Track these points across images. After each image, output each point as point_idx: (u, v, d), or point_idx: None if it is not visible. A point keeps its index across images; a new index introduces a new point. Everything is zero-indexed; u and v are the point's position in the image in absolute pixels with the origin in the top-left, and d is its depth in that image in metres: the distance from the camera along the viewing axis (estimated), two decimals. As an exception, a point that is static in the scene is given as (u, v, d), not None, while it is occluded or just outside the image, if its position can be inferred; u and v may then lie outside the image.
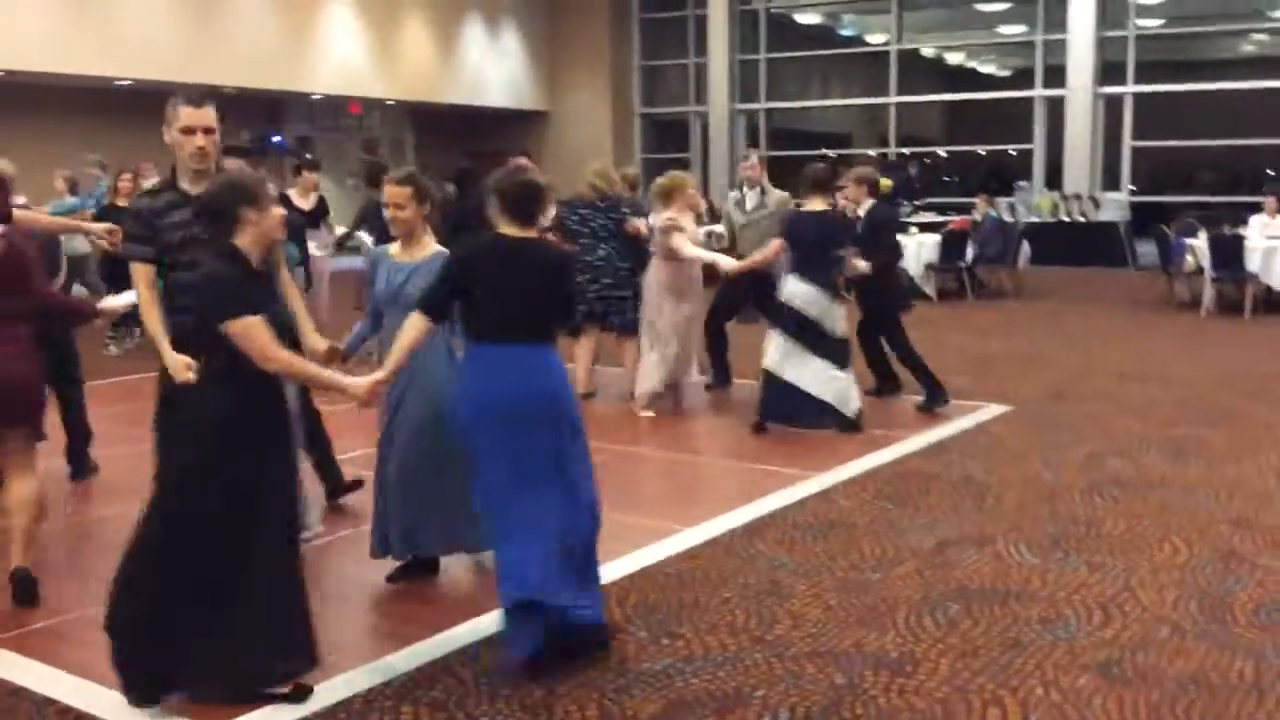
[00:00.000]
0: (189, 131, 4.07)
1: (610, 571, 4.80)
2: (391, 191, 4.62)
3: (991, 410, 7.97)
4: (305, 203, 10.10)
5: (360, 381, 3.92)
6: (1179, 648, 4.07)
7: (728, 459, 6.98)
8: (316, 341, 4.34)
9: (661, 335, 7.93)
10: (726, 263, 7.90)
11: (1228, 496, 5.90)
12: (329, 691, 3.72)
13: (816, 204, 7.51)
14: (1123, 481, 6.18)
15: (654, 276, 7.96)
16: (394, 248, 4.72)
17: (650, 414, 7.92)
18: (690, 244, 7.80)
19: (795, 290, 7.34)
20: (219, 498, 3.51)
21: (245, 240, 3.61)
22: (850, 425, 7.29)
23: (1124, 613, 4.39)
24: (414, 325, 4.03)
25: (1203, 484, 6.12)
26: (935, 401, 7.93)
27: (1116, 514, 5.61)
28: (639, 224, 8.16)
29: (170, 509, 3.57)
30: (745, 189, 9.03)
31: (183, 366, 3.71)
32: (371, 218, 9.49)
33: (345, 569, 5.02)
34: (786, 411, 7.38)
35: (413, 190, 4.61)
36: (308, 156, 9.46)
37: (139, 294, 4.15)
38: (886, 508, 5.75)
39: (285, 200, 9.27)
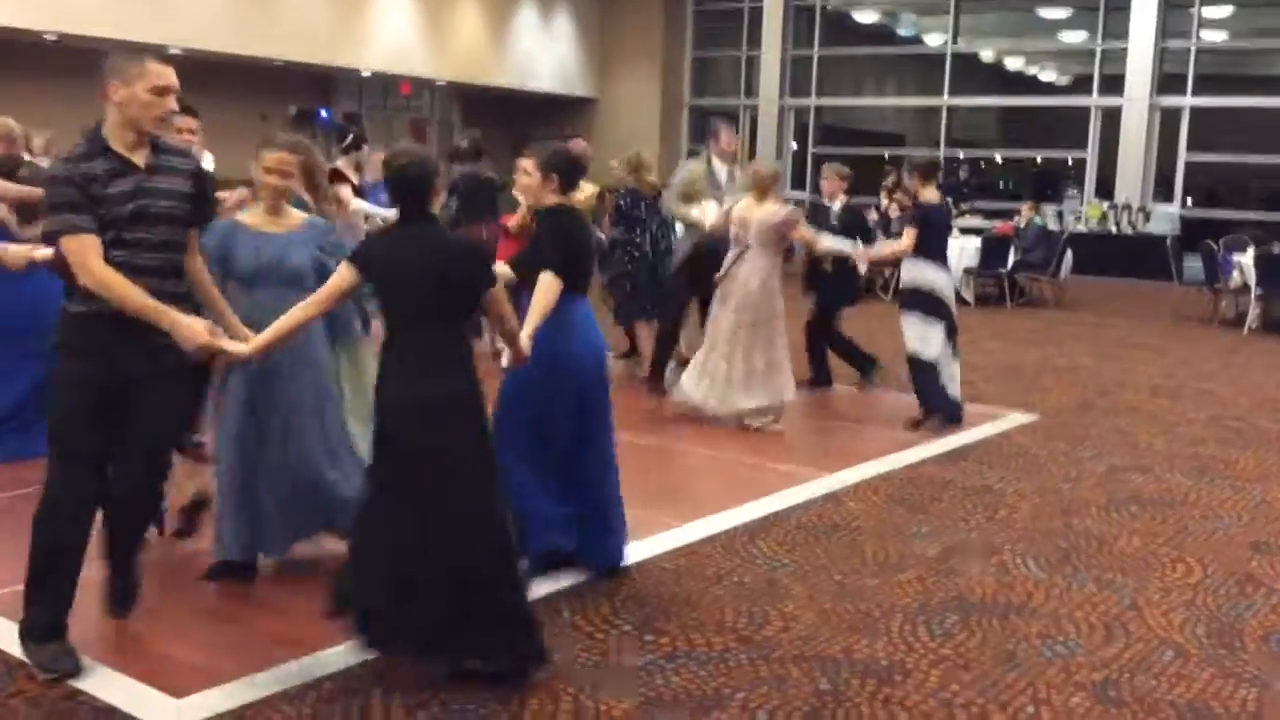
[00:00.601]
0: (163, 92, 3.58)
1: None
2: (281, 158, 4.34)
3: (1016, 419, 7.82)
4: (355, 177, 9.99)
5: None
6: (1180, 672, 3.94)
7: (739, 454, 6.87)
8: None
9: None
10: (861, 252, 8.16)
11: (1250, 519, 5.73)
12: (300, 671, 3.68)
13: (932, 194, 7.65)
14: (1142, 498, 6.02)
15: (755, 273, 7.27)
16: (248, 218, 4.38)
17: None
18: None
19: (941, 279, 7.48)
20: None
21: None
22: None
23: (1127, 632, 4.26)
24: (550, 288, 4.35)
25: (1225, 505, 5.95)
26: (870, 372, 8.58)
27: (1131, 531, 5.47)
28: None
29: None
30: (717, 163, 8.26)
31: (204, 330, 3.57)
32: (470, 191, 9.34)
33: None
34: (942, 403, 7.46)
35: (302, 161, 4.55)
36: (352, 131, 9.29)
37: (90, 269, 3.46)
38: (895, 512, 5.63)
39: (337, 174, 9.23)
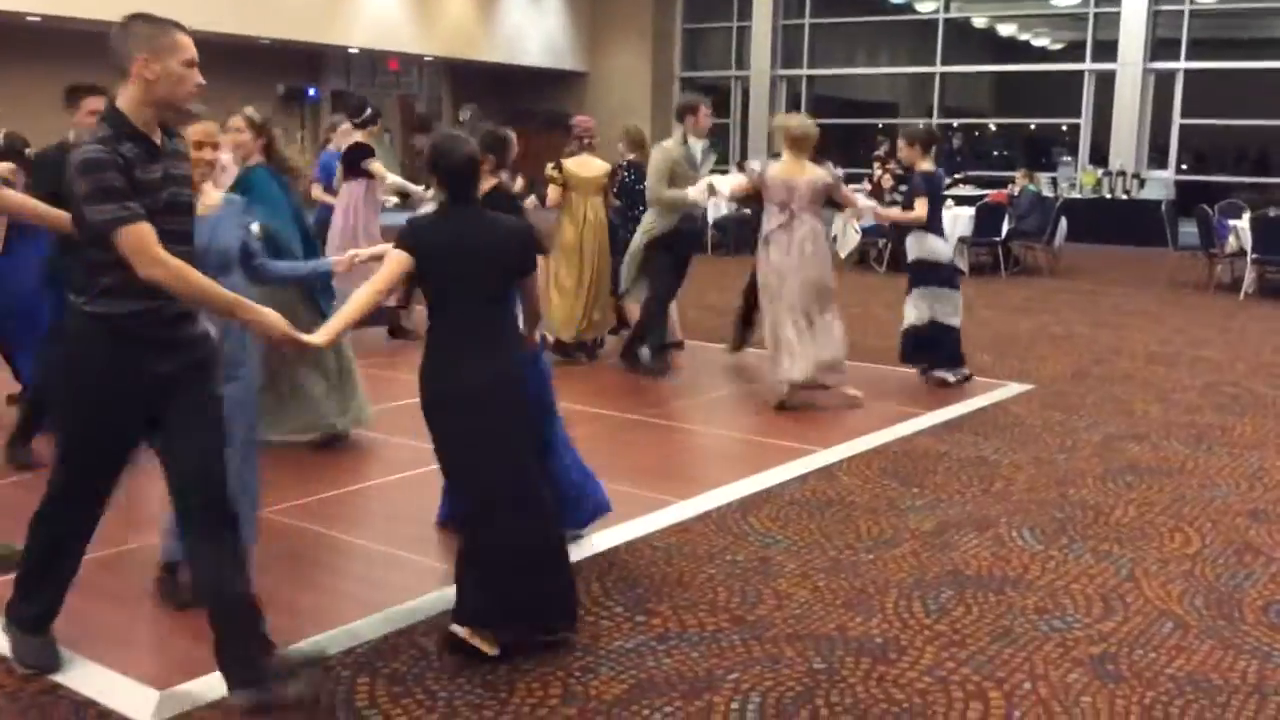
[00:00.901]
0: (192, 64, 3.28)
1: (595, 544, 4.69)
2: (206, 130, 4.03)
3: (1011, 389, 7.75)
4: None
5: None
6: (1180, 644, 3.88)
7: (731, 430, 6.81)
8: None
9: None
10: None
11: (1248, 487, 5.67)
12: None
13: (929, 164, 7.78)
14: (1138, 467, 5.96)
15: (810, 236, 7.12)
16: None
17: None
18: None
19: (944, 248, 7.86)
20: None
21: None
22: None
23: (1125, 605, 4.20)
24: None
25: (1222, 473, 5.89)
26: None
27: (1128, 501, 5.41)
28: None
29: None
30: (693, 141, 7.94)
31: (284, 322, 3.41)
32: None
33: (317, 535, 4.92)
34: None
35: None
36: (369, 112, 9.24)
37: (161, 260, 3.12)
38: (889, 486, 5.57)
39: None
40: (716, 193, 7.86)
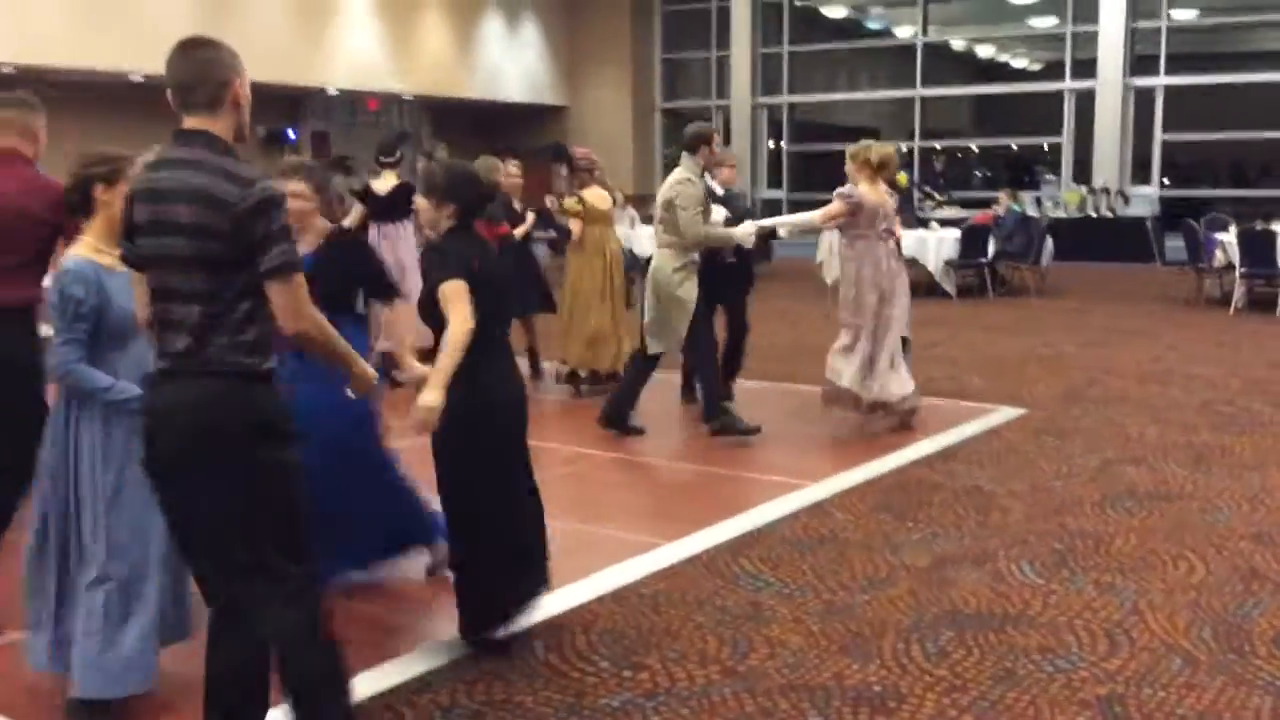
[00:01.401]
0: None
1: (580, 593, 4.53)
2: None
3: (1004, 414, 7.61)
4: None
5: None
6: (1190, 681, 3.73)
7: (720, 466, 6.64)
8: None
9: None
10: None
11: (1250, 509, 5.53)
12: None
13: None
14: (1138, 493, 5.81)
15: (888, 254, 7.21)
16: (97, 255, 3.52)
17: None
18: None
19: None
20: None
21: None
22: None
23: (1131, 640, 4.05)
24: None
25: (1223, 495, 5.75)
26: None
27: (1129, 528, 5.26)
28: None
29: None
30: (707, 174, 7.30)
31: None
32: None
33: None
34: None
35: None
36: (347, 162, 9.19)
37: (312, 312, 2.90)
38: (883, 520, 5.41)
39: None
40: (778, 236, 7.75)
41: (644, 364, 7.16)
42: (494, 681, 3.73)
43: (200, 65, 2.87)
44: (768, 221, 7.77)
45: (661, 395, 8.36)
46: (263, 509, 2.85)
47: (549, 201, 8.61)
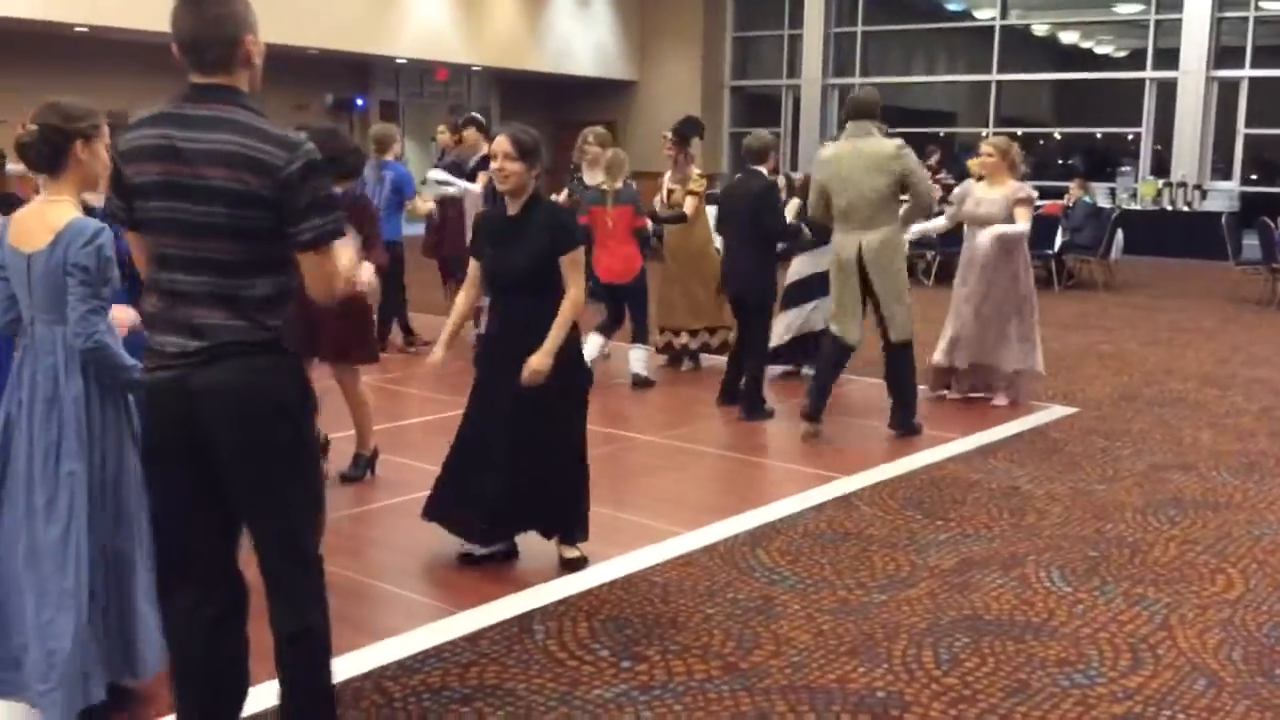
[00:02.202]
0: None
1: (592, 577, 4.45)
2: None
3: (1054, 412, 7.39)
4: None
5: None
6: (1212, 705, 3.55)
7: (752, 455, 6.52)
8: None
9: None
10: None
11: (1301, 523, 5.29)
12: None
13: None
14: (1183, 500, 5.59)
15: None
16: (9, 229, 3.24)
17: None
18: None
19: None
20: None
21: None
22: None
23: (1156, 657, 3.87)
24: None
25: (1274, 507, 5.51)
26: None
27: (1169, 538, 5.05)
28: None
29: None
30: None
31: None
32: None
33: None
34: None
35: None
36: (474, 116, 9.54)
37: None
38: (912, 518, 5.25)
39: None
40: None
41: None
42: (488, 665, 3.66)
43: (211, 20, 2.67)
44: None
45: (702, 380, 8.26)
46: (311, 487, 2.86)
47: (697, 176, 8.39)
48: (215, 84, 2.70)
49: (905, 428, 6.67)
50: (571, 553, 4.55)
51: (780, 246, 7.46)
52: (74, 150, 3.16)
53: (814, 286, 7.92)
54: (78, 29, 15.12)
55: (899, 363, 6.67)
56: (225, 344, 2.67)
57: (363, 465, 5.66)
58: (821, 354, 6.94)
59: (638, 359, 7.90)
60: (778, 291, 7.31)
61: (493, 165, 4.29)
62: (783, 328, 8.14)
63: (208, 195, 2.62)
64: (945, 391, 7.68)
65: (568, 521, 4.52)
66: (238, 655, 2.92)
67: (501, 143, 4.26)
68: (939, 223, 7.78)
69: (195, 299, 2.69)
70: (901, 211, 6.64)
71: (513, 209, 4.34)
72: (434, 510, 4.57)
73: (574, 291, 4.29)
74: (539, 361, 4.23)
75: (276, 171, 2.60)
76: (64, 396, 3.15)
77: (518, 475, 4.36)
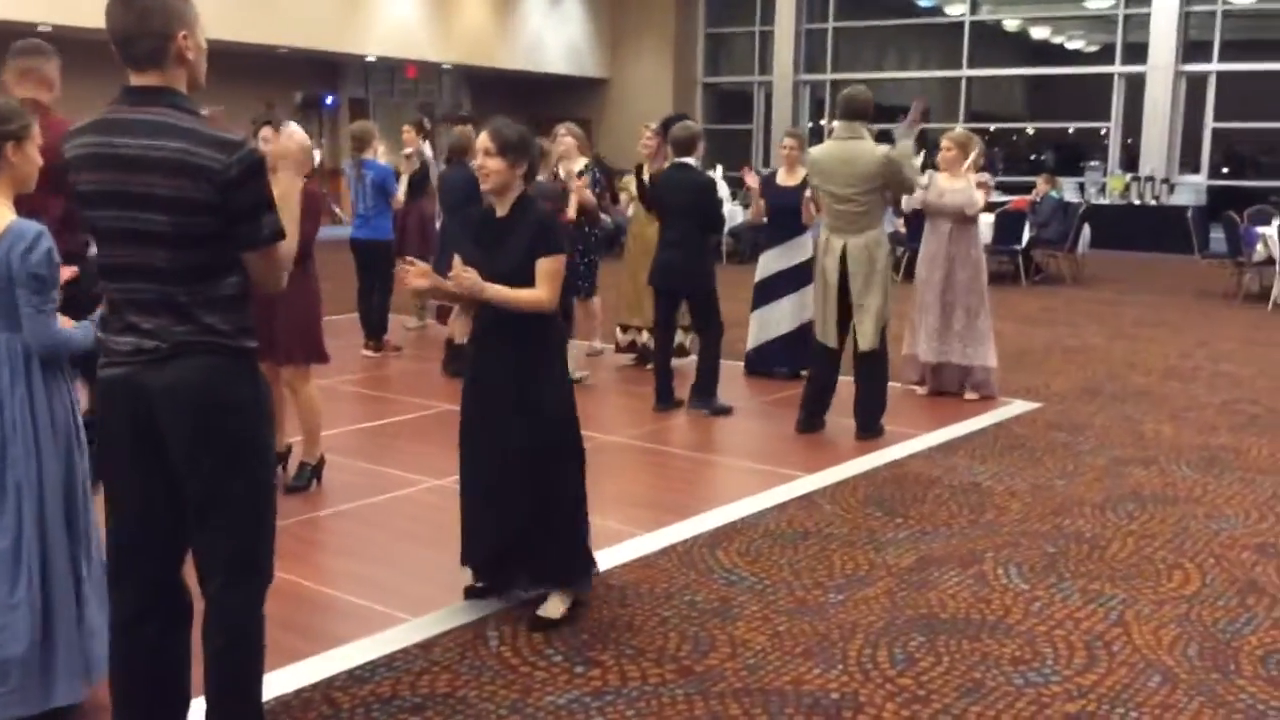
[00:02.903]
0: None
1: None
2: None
3: (1017, 407, 7.41)
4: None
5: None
6: (1166, 701, 3.55)
7: (714, 454, 6.50)
8: None
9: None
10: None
11: (1258, 517, 5.31)
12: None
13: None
14: (1142, 495, 5.61)
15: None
16: None
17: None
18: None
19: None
20: None
21: None
22: None
23: (1111, 654, 3.87)
24: None
25: (1232, 501, 5.53)
26: None
27: (1127, 533, 5.06)
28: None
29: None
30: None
31: None
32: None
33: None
34: None
35: None
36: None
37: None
38: (872, 515, 5.25)
39: None
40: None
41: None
42: (440, 674, 3.63)
43: (138, 15, 2.61)
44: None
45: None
46: (262, 489, 2.83)
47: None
48: (149, 86, 2.66)
49: (868, 432, 6.64)
50: (548, 608, 4.05)
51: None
52: (5, 152, 3.12)
53: (780, 284, 7.94)
54: (40, 28, 14.98)
55: (867, 370, 6.62)
56: (179, 344, 2.66)
57: (307, 474, 5.45)
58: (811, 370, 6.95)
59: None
60: (715, 280, 7.23)
61: (474, 163, 4.16)
62: (757, 327, 8.13)
63: (153, 204, 2.59)
64: (916, 387, 7.69)
65: (552, 573, 4.11)
66: (179, 667, 2.88)
67: (482, 138, 4.00)
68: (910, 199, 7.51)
69: (145, 306, 2.67)
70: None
71: (501, 209, 4.00)
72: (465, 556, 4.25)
73: (542, 291, 3.90)
74: (485, 292, 3.84)
75: (215, 175, 2.57)
76: (8, 404, 3.10)
77: (507, 521, 4.07)
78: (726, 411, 7.13)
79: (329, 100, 20.96)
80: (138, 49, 2.64)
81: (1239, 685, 3.66)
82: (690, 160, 7.14)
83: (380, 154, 9.09)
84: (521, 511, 4.02)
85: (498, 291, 3.87)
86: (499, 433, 3.99)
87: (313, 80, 20.42)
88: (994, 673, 3.72)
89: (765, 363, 8.19)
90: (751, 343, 8.20)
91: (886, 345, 6.65)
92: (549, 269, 3.92)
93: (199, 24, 2.72)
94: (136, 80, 2.67)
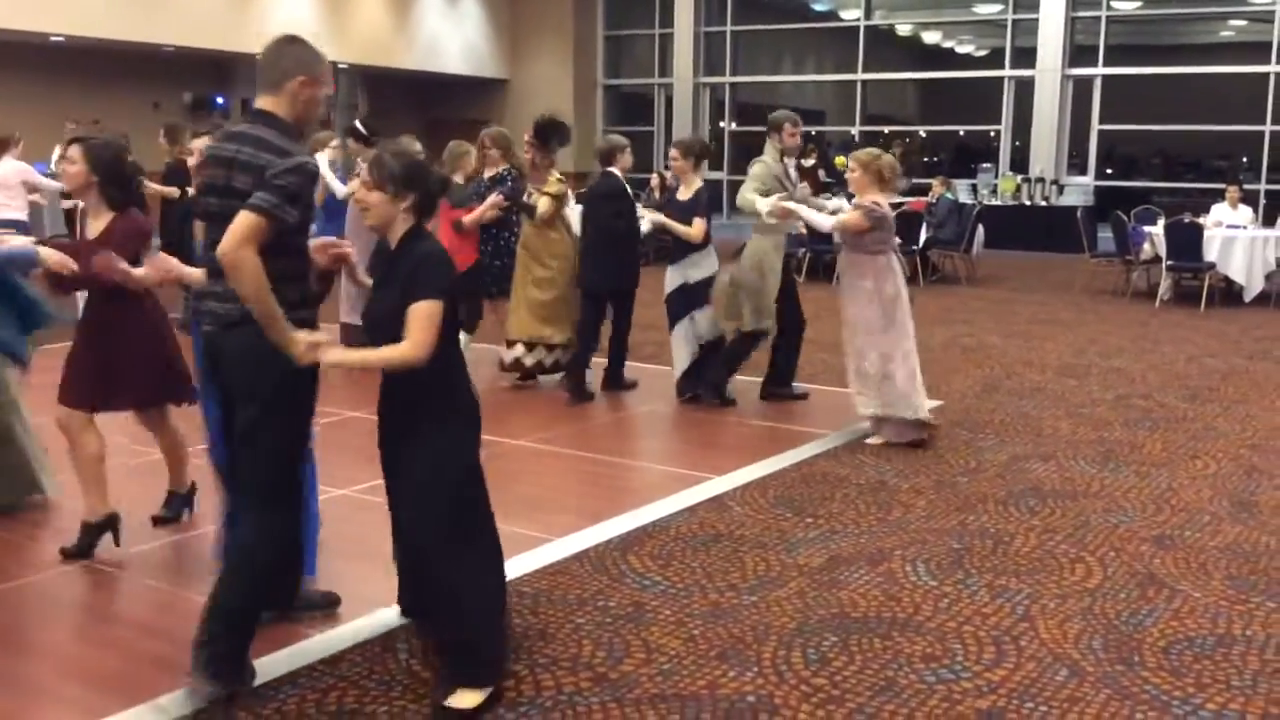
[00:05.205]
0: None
1: (457, 589, 4.32)
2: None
3: (920, 406, 7.49)
4: None
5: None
6: (1074, 694, 3.61)
7: (625, 457, 6.48)
8: None
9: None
10: None
11: (1154, 510, 5.45)
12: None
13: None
14: (1043, 491, 5.72)
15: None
16: None
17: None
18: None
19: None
20: None
21: None
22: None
23: (1019, 649, 3.92)
24: None
25: (1129, 495, 5.67)
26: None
27: (1029, 528, 5.15)
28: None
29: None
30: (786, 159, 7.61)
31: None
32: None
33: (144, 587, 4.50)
34: None
35: None
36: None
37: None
38: (782, 516, 5.26)
39: None
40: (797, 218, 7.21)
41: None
42: (348, 689, 3.53)
43: (274, 53, 3.50)
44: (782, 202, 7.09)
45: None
46: (293, 430, 3.54)
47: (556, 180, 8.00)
48: (259, 109, 3.50)
49: (711, 396, 7.42)
50: (455, 699, 3.41)
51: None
52: None
53: (687, 299, 7.62)
54: (53, 38, 14.45)
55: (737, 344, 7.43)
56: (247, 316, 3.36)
57: (178, 504, 5.09)
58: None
59: None
60: (638, 280, 7.77)
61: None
62: (681, 341, 7.68)
63: (232, 194, 3.39)
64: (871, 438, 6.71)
65: (449, 665, 3.52)
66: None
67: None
68: (822, 220, 6.92)
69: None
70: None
71: (392, 243, 3.48)
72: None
73: (405, 345, 3.29)
74: (333, 355, 3.40)
75: (263, 171, 3.32)
76: None
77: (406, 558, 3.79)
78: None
79: (219, 101, 20.45)
80: (263, 76, 3.49)
81: (1143, 676, 3.74)
82: (613, 169, 7.60)
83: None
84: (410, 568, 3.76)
85: (344, 356, 3.49)
86: (387, 484, 3.62)
87: (202, 80, 19.89)
88: (906, 671, 3.75)
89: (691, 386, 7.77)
90: (677, 370, 7.72)
91: (756, 339, 7.41)
92: (419, 314, 3.29)
93: (324, 79, 3.55)
94: (256, 103, 3.49)
